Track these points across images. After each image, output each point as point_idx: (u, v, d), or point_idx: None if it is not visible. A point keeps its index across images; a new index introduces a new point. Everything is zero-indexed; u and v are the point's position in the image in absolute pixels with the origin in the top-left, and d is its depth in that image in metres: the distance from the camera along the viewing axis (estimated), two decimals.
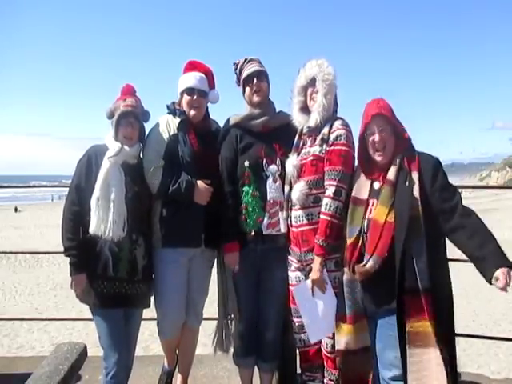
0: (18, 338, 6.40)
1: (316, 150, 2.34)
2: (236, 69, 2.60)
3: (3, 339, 6.33)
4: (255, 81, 2.51)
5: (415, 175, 1.99)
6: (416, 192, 1.96)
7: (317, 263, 2.26)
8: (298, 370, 2.61)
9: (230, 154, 2.52)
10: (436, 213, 1.96)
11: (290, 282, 2.48)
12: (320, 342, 2.42)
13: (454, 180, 2.22)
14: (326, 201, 2.25)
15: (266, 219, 2.45)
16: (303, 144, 2.44)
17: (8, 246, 14.00)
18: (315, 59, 2.41)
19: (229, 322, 2.73)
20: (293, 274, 2.46)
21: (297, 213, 2.39)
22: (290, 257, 2.48)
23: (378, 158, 2.10)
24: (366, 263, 2.00)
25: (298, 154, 2.43)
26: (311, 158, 2.35)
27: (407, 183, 2.00)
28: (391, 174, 2.04)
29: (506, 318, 7.09)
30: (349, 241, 2.11)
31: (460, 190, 2.11)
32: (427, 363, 1.90)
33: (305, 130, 2.44)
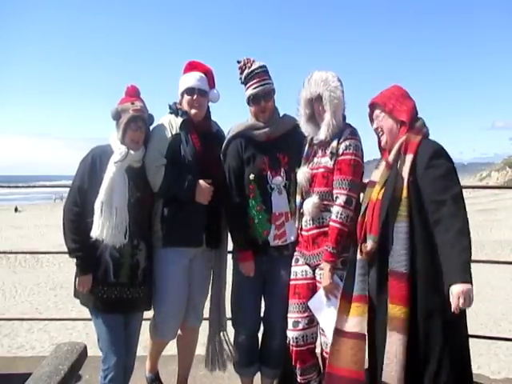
0: (18, 338, 6.39)
1: (327, 161, 2.32)
2: (240, 72, 2.53)
3: (3, 339, 6.33)
4: (262, 103, 2.48)
5: (409, 157, 2.00)
6: (405, 173, 1.98)
7: (326, 270, 2.25)
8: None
9: (236, 163, 2.51)
10: (425, 198, 1.93)
11: (293, 277, 2.45)
12: (314, 341, 2.42)
13: None
14: (336, 209, 2.24)
15: (272, 231, 2.46)
16: (314, 154, 2.42)
17: (8, 245, 14.00)
18: (320, 73, 2.33)
19: (222, 337, 2.69)
20: (299, 269, 2.44)
21: (307, 217, 2.37)
22: (296, 253, 2.47)
23: (382, 142, 2.19)
24: (367, 243, 2.07)
25: (309, 164, 2.41)
26: (322, 169, 2.34)
27: (398, 164, 2.04)
28: (390, 156, 2.11)
29: (505, 318, 7.09)
30: (359, 219, 2.17)
31: None
32: (391, 348, 1.92)
33: (315, 141, 2.41)
